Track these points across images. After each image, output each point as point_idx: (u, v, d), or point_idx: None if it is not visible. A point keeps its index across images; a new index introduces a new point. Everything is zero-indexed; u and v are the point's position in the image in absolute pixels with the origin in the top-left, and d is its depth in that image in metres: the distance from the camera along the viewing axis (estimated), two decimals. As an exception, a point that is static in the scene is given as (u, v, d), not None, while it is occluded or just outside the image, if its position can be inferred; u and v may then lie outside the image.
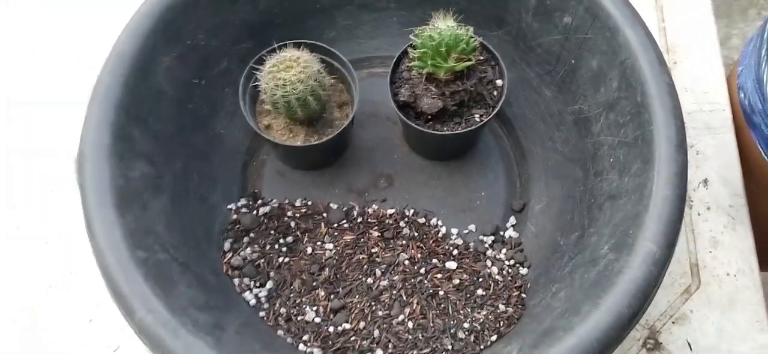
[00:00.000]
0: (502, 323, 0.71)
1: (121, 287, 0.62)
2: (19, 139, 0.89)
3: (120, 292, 0.62)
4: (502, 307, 0.72)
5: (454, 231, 0.81)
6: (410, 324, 0.72)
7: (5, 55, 0.96)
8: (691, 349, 0.76)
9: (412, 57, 0.77)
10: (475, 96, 0.78)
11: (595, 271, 0.65)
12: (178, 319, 0.61)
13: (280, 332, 0.72)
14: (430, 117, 0.78)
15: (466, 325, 0.71)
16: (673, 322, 0.78)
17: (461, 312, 0.73)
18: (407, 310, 0.73)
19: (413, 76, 0.78)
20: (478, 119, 0.78)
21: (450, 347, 0.70)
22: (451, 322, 0.72)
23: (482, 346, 0.70)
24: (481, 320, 0.71)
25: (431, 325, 0.72)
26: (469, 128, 0.77)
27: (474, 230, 0.81)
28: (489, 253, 0.78)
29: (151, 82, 0.73)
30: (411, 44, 0.78)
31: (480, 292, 0.74)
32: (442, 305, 0.73)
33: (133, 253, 0.63)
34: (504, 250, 0.78)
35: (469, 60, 0.75)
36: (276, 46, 0.75)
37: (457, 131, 0.77)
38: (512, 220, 0.81)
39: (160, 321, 0.60)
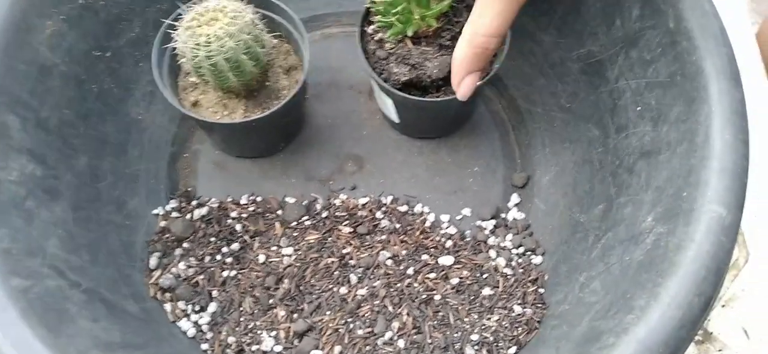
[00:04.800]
0: (520, 329, 0.54)
1: (-13, 332, 0.43)
2: None
3: (-13, 339, 0.43)
4: (517, 309, 0.56)
5: (445, 218, 0.64)
6: (401, 343, 0.55)
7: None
8: (748, 336, 0.61)
9: (381, 24, 0.59)
10: None
11: (640, 251, 0.50)
12: (73, 370, 0.43)
13: (229, 369, 0.55)
14: (441, 83, 0.60)
15: (474, 336, 0.55)
16: (722, 306, 0.63)
17: (466, 320, 0.56)
18: (396, 325, 0.56)
19: (390, 46, 0.60)
20: None
21: (456, 369, 0.53)
22: (455, 335, 0.55)
23: (498, 363, 0.53)
24: (494, 328, 0.55)
25: (429, 341, 0.55)
26: (488, 76, 0.59)
27: (469, 215, 0.64)
28: (491, 241, 0.62)
29: (30, 53, 0.55)
30: (368, 9, 0.60)
31: (487, 291, 0.58)
32: (441, 313, 0.57)
33: (6, 282, 0.45)
34: (509, 236, 0.62)
35: None
36: (199, -2, 0.58)
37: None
38: (515, 198, 0.65)
39: (45, 376, 0.42)
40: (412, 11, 0.55)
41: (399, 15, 0.55)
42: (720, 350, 0.61)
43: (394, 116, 0.63)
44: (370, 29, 0.60)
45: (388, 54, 0.59)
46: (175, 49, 0.58)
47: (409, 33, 0.57)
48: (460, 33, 0.59)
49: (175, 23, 0.57)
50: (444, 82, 0.59)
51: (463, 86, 0.54)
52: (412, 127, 0.67)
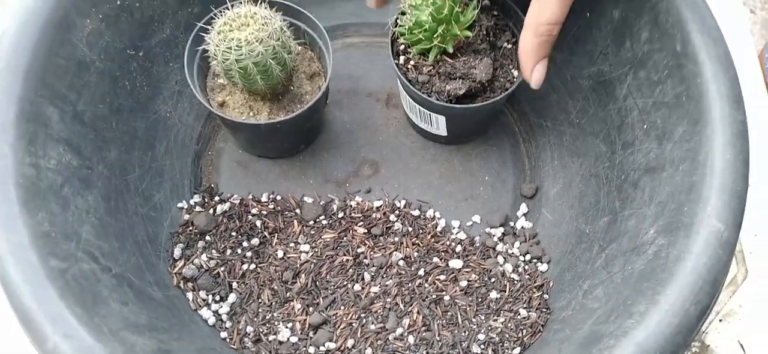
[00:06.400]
0: (525, 332, 0.57)
1: (27, 306, 0.46)
2: None
3: (26, 313, 0.46)
4: (523, 312, 0.59)
5: (455, 224, 0.67)
6: (411, 339, 0.58)
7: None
8: (744, 350, 0.64)
9: (420, 50, 0.62)
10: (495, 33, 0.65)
11: (641, 261, 0.52)
12: (107, 346, 0.46)
13: (246, 357, 0.58)
14: (486, 85, 0.63)
15: (481, 336, 0.57)
16: (720, 320, 0.65)
17: (473, 320, 0.59)
18: (406, 322, 0.59)
19: (428, 68, 0.63)
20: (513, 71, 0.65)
21: (463, 365, 0.56)
22: (463, 334, 0.58)
23: (503, 362, 0.56)
24: (499, 329, 0.57)
25: (437, 338, 0.58)
26: (507, 92, 0.63)
27: (479, 222, 0.67)
28: (499, 247, 0.64)
29: (70, 50, 0.58)
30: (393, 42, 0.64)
31: (494, 294, 0.60)
32: (449, 313, 0.59)
33: (46, 262, 0.48)
34: (517, 244, 0.65)
35: None
36: (229, 3, 0.61)
37: (508, 89, 0.63)
38: (523, 207, 0.68)
39: (81, 349, 0.45)
40: (449, 30, 0.58)
41: (440, 37, 0.58)
42: (716, 362, 0.63)
43: (442, 131, 0.66)
44: (401, 60, 0.63)
45: (430, 76, 0.62)
46: (205, 51, 0.61)
47: (450, 49, 0.60)
48: (486, 34, 0.63)
49: (207, 26, 0.60)
50: (489, 83, 0.63)
51: (535, 74, 0.56)
52: (458, 136, 0.69)
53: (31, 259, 0.47)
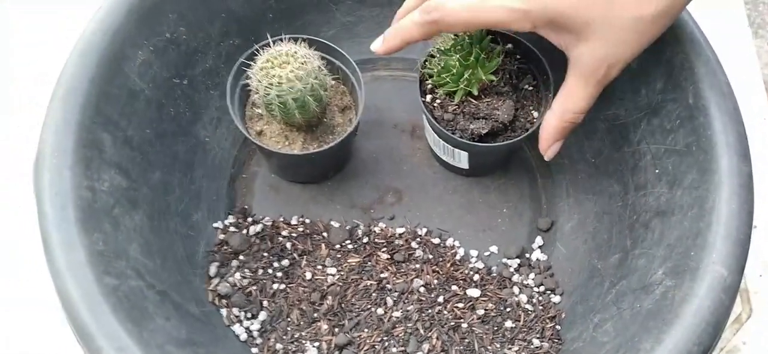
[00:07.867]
0: (537, 361, 0.61)
1: (84, 321, 0.51)
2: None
3: (83, 327, 0.51)
4: (536, 342, 0.62)
5: (474, 253, 0.71)
6: (430, 363, 0.62)
7: None
8: (746, 387, 0.67)
9: (447, 91, 0.66)
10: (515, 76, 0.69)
11: (649, 300, 0.56)
12: (154, 361, 0.50)
13: (275, 373, 0.62)
14: (507, 125, 0.67)
15: (496, 363, 0.61)
16: (723, 357, 0.68)
17: (489, 348, 0.62)
18: (426, 346, 0.63)
19: (454, 107, 0.67)
20: (535, 116, 0.68)
21: (479, 390, 0.60)
22: (479, 361, 0.62)
23: (516, 389, 0.59)
24: (513, 358, 0.61)
25: (455, 364, 0.62)
26: (528, 133, 0.66)
27: (496, 252, 0.71)
28: (515, 278, 0.68)
29: (123, 79, 0.63)
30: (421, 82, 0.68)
31: (509, 323, 0.64)
32: (467, 340, 0.63)
33: (101, 280, 0.52)
34: (532, 275, 0.68)
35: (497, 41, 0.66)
36: (270, 40, 0.65)
37: (528, 129, 0.67)
38: (539, 240, 0.72)
39: (132, 363, 0.49)
40: (474, 74, 0.63)
41: (466, 81, 0.62)
42: (719, 397, 0.66)
43: (464, 164, 0.70)
44: (428, 98, 0.67)
45: (455, 115, 0.66)
46: (246, 85, 0.66)
47: (475, 92, 0.64)
48: (509, 78, 0.66)
49: (248, 62, 0.65)
50: (510, 123, 0.66)
51: (550, 151, 0.62)
52: (479, 169, 0.73)
53: (88, 277, 0.52)
